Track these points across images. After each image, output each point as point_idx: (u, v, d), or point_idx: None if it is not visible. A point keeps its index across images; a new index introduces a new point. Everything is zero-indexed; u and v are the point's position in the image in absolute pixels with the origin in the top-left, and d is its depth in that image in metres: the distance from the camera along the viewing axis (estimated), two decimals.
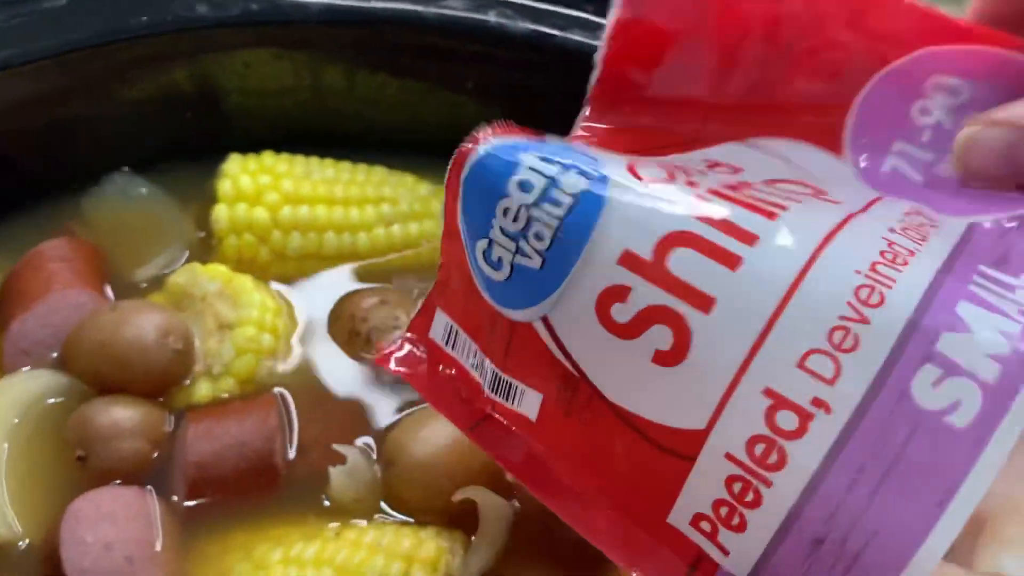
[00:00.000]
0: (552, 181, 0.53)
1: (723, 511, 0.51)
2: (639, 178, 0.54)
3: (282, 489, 0.84)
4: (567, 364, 0.56)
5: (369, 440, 0.87)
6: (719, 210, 0.52)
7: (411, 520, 0.81)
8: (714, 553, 0.52)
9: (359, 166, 1.03)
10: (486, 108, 1.04)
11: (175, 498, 0.82)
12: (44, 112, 1.00)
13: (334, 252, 0.99)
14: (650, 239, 0.51)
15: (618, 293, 0.52)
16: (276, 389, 0.90)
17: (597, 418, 0.55)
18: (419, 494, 0.81)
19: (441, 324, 0.66)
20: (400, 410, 0.89)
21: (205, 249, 0.99)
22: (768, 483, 0.49)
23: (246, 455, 0.83)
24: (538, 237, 0.53)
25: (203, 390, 0.88)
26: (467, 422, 0.66)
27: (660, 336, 0.51)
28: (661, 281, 0.51)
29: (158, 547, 0.79)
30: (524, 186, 0.54)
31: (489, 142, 0.56)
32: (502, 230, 0.55)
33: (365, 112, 1.07)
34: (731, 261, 0.50)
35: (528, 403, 0.60)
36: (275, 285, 0.98)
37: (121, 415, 0.84)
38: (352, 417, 0.88)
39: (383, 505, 0.83)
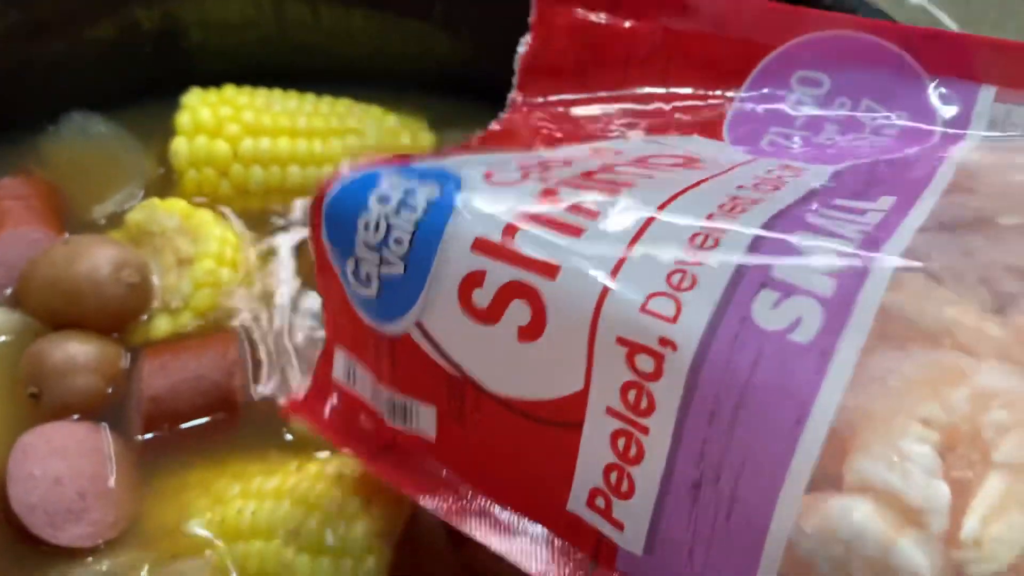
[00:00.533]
0: (409, 191, 0.58)
1: (613, 477, 0.53)
2: (490, 178, 0.59)
3: (244, 425, 0.82)
4: (448, 366, 0.58)
5: None
6: (566, 196, 0.56)
7: None
8: (611, 532, 0.54)
9: (324, 98, 1.00)
10: (454, 38, 1.02)
11: (132, 434, 0.80)
12: (1, 52, 0.97)
13: (298, 186, 0.96)
14: (498, 225, 0.55)
15: (476, 279, 0.55)
16: (237, 323, 0.87)
17: (486, 417, 0.58)
18: None
19: (341, 362, 0.67)
20: None
21: (166, 185, 0.96)
22: (645, 430, 0.51)
23: (203, 389, 0.81)
24: (398, 242, 0.57)
25: (162, 325, 0.86)
26: (368, 452, 0.67)
27: (519, 312, 0.54)
28: (510, 258, 0.54)
29: (112, 483, 0.76)
30: (383, 199, 0.58)
31: (348, 173, 0.60)
32: (365, 244, 0.59)
33: (331, 45, 1.04)
34: (574, 232, 0.54)
35: (425, 421, 0.62)
36: (236, 220, 0.95)
37: (75, 351, 0.81)
38: (314, 350, 0.85)
39: None
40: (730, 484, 0.48)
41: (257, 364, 0.85)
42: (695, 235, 0.52)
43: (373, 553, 0.70)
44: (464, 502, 0.61)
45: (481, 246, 0.55)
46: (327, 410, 0.69)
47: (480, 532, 0.60)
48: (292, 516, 0.72)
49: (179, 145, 0.94)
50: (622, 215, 0.54)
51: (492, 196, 0.57)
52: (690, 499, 0.50)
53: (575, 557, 0.57)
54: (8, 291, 0.86)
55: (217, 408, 0.81)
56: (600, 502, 0.54)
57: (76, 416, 0.80)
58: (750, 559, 0.48)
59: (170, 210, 0.90)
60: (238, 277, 0.88)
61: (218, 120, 0.94)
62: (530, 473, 0.58)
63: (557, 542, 0.57)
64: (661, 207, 0.54)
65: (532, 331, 0.54)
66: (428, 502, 0.62)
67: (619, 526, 0.54)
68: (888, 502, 0.47)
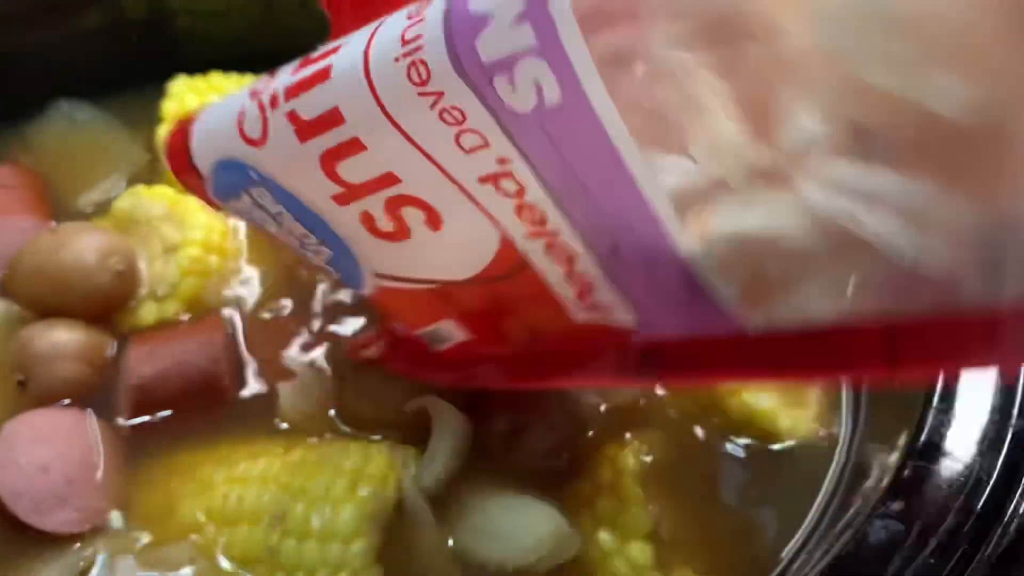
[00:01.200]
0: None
1: (569, 276, 0.60)
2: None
3: (232, 411, 0.81)
4: (422, 287, 0.66)
5: (318, 357, 0.84)
6: (297, 72, 0.60)
7: (364, 436, 0.79)
8: (611, 317, 0.61)
9: None
10: None
11: (119, 421, 0.80)
12: None
13: None
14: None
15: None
16: (224, 310, 0.87)
17: (476, 299, 0.66)
18: (371, 408, 0.79)
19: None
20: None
21: (153, 173, 0.96)
22: (551, 228, 0.57)
23: (190, 376, 0.80)
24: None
25: (149, 313, 0.85)
26: (443, 376, 0.74)
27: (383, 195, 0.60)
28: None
29: (98, 469, 0.76)
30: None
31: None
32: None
33: (318, 30, 1.03)
34: (323, 76, 0.57)
35: (452, 333, 0.70)
36: None
37: (61, 338, 0.81)
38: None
39: (337, 423, 0.80)
40: (628, 242, 0.54)
41: (243, 350, 0.85)
42: (405, 30, 0.53)
43: (360, 537, 0.70)
44: (523, 368, 0.69)
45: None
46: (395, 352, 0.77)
47: (549, 381, 0.70)
48: (278, 501, 0.72)
49: (165, 132, 0.93)
50: (352, 47, 0.56)
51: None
52: (614, 263, 0.56)
53: (614, 356, 0.63)
54: None
55: (204, 394, 0.81)
56: (585, 301, 0.61)
57: (66, 402, 0.80)
58: (674, 268, 0.54)
59: (156, 197, 0.89)
60: (225, 264, 0.88)
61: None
62: (537, 317, 0.64)
63: (595, 354, 0.63)
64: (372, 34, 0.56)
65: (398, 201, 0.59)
66: (507, 383, 0.70)
67: (608, 308, 0.60)
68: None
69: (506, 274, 0.62)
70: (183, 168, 0.68)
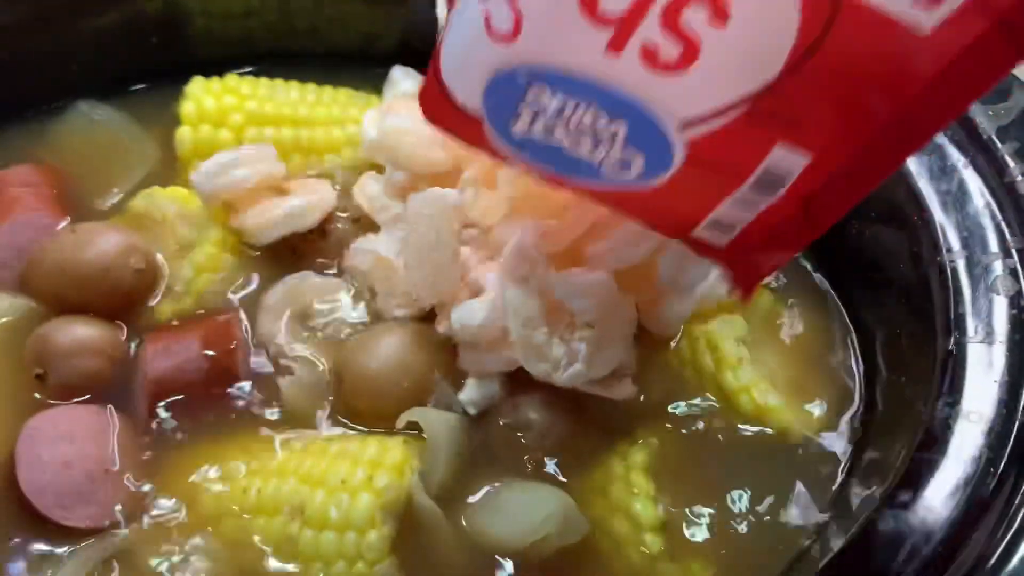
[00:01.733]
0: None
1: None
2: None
3: (247, 402, 0.83)
4: None
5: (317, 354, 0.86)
6: None
7: (365, 429, 0.81)
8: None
9: (324, 87, 1.00)
10: None
11: (138, 415, 0.81)
12: (10, 41, 0.98)
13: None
14: None
15: None
16: (238, 305, 0.88)
17: None
18: (368, 404, 0.81)
19: None
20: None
21: (169, 172, 0.97)
22: None
23: (206, 369, 0.82)
24: None
25: (165, 309, 0.87)
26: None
27: None
28: None
29: (119, 464, 0.78)
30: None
31: None
32: None
33: (331, 31, 1.05)
34: None
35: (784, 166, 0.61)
36: None
37: (81, 333, 0.82)
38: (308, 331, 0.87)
39: (338, 417, 0.82)
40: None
41: (257, 343, 0.86)
42: None
43: (376, 527, 0.72)
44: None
45: None
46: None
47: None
48: (297, 492, 0.74)
49: (183, 134, 0.95)
50: None
51: None
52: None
53: None
54: (16, 276, 0.87)
55: (220, 386, 0.82)
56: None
57: (87, 396, 0.81)
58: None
59: (171, 197, 0.91)
60: (238, 262, 0.90)
61: (222, 109, 0.95)
62: (883, 69, 0.55)
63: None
64: None
65: None
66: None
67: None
68: None
69: (822, 30, 0.52)
70: (452, 120, 0.65)
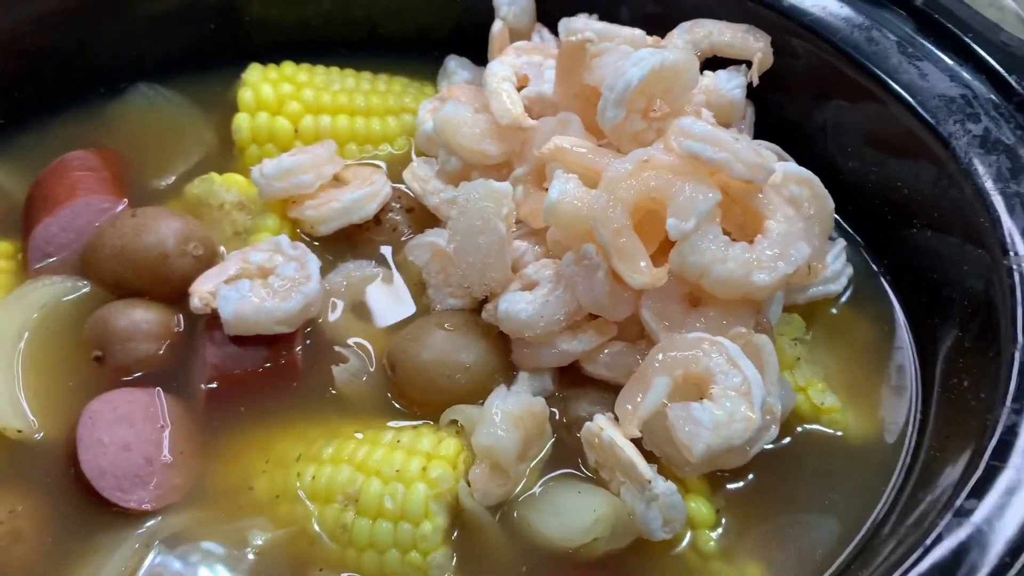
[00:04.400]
0: None
1: None
2: None
3: (302, 388, 0.84)
4: None
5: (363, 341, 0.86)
6: None
7: (417, 421, 0.81)
8: None
9: (380, 76, 1.01)
10: None
11: (195, 399, 0.82)
12: (71, 25, 0.99)
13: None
14: None
15: None
16: None
17: None
18: (422, 395, 0.81)
19: None
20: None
21: (226, 158, 0.98)
22: None
23: (264, 356, 0.82)
24: None
25: None
26: None
27: None
28: None
29: (175, 447, 0.78)
30: None
31: None
32: None
33: (390, 20, 1.05)
34: None
35: None
36: None
37: (139, 317, 0.83)
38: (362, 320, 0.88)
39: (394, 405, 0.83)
40: None
41: (315, 330, 0.87)
42: None
43: (430, 518, 0.72)
44: None
45: None
46: None
47: None
48: (352, 480, 0.75)
49: (241, 121, 0.95)
50: None
51: None
52: None
53: None
54: (76, 258, 0.88)
55: (277, 373, 0.83)
56: None
57: (145, 379, 0.82)
58: None
59: (228, 184, 0.92)
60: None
61: (279, 98, 0.95)
62: None
63: None
64: None
65: None
66: None
67: None
68: None
69: None
70: None
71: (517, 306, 0.78)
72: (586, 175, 0.78)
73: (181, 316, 0.86)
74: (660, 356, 0.74)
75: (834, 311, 0.88)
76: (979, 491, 0.64)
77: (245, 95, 0.96)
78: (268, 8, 1.04)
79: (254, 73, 0.97)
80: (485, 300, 0.83)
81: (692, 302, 0.78)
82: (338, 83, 0.98)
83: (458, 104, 0.88)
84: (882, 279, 0.91)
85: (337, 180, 0.92)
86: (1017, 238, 0.75)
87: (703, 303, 0.78)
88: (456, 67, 1.01)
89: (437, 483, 0.73)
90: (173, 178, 0.97)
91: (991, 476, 0.65)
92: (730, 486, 0.77)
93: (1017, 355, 0.70)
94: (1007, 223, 0.75)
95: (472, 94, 0.92)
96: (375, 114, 0.98)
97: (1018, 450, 0.66)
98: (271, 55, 1.00)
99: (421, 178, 0.91)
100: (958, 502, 0.64)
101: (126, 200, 0.93)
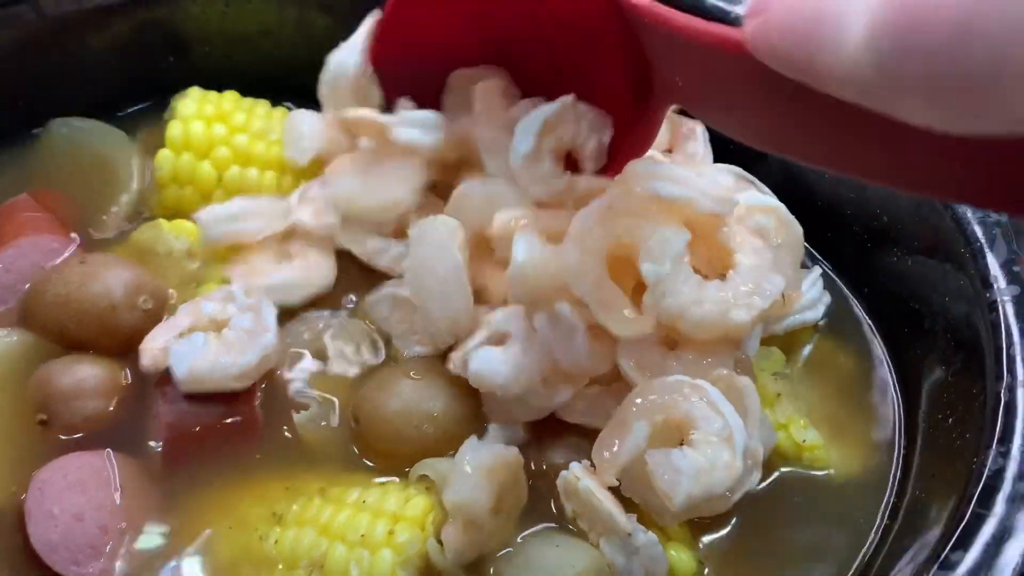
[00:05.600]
0: None
1: None
2: None
3: (262, 443, 0.80)
4: None
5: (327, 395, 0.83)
6: None
7: (383, 479, 0.78)
8: None
9: None
10: None
11: (150, 458, 0.78)
12: (12, 59, 0.96)
13: None
14: None
15: None
16: None
17: None
18: (386, 444, 0.78)
19: None
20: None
21: (155, 193, 0.93)
22: None
23: (220, 411, 0.78)
24: None
25: None
26: None
27: None
28: None
29: (130, 512, 0.75)
30: None
31: None
32: None
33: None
34: None
35: None
36: None
37: (85, 373, 0.79)
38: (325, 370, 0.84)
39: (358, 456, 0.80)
40: None
41: (273, 382, 0.83)
42: None
43: None
44: None
45: None
46: None
47: None
48: (316, 545, 0.71)
49: (163, 160, 0.90)
50: None
51: None
52: None
53: None
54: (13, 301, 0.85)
55: (235, 428, 0.79)
56: None
57: (94, 440, 0.78)
58: None
59: (177, 232, 0.88)
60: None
61: (210, 140, 0.90)
62: None
63: None
64: None
65: None
66: None
67: None
68: None
69: None
70: None
71: (491, 366, 0.74)
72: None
73: (128, 370, 0.81)
74: (639, 400, 0.71)
75: (814, 342, 0.86)
76: (964, 542, 0.63)
77: (174, 130, 0.89)
78: (211, 46, 1.01)
79: (189, 104, 0.90)
80: (451, 348, 0.79)
81: (669, 345, 0.75)
82: (277, 131, 0.91)
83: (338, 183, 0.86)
84: (862, 309, 0.89)
85: (285, 249, 0.87)
86: (999, 271, 0.72)
87: (680, 345, 0.75)
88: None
89: (403, 548, 0.70)
90: (115, 222, 0.92)
91: (976, 525, 0.63)
92: (710, 535, 0.75)
93: (1002, 394, 0.68)
94: (988, 255, 0.73)
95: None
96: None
97: (1003, 496, 0.64)
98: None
99: (366, 248, 0.87)
100: (943, 554, 0.62)
101: (75, 238, 0.90)
